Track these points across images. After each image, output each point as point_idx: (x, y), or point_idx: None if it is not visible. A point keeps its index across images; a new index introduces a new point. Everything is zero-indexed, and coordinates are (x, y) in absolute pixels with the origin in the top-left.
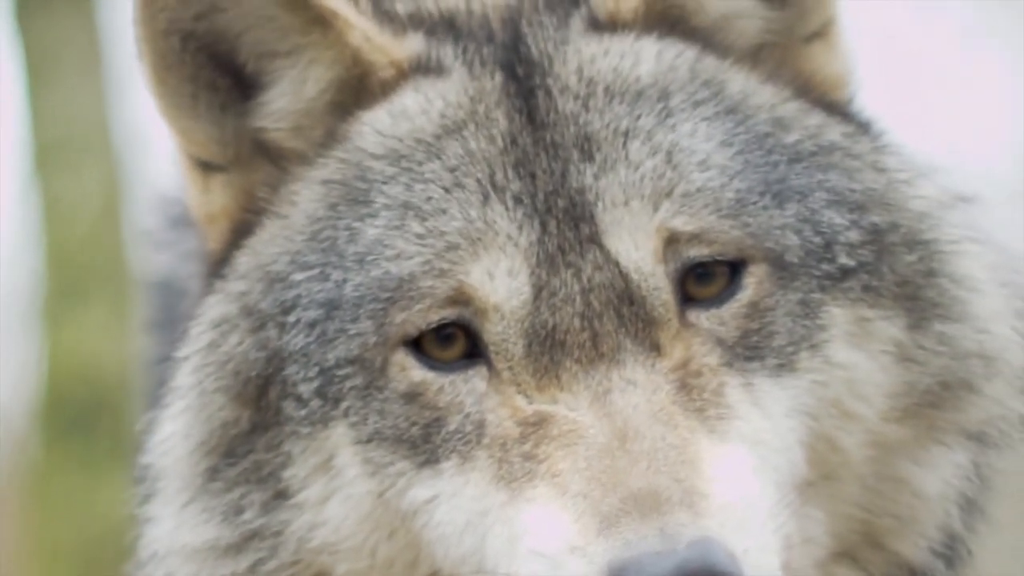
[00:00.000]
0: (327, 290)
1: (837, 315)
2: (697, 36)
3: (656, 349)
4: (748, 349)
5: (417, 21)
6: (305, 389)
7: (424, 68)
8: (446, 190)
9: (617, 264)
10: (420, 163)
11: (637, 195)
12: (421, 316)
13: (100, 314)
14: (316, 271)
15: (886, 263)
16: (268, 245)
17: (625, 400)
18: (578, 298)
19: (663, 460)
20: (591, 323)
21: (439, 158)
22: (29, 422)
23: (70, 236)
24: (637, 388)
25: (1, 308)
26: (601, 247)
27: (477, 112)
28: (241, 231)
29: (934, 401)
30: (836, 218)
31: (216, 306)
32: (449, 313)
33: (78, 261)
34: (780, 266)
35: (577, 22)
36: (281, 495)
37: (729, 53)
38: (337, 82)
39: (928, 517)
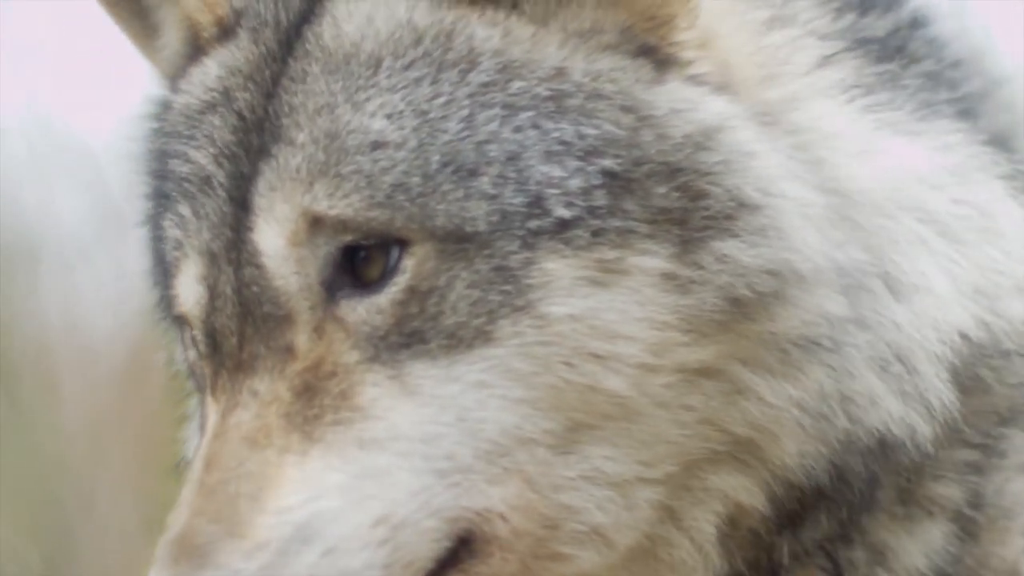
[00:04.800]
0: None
1: (556, 269)
2: None
3: (290, 351)
4: (405, 336)
5: None
6: None
7: (227, 31)
8: (183, 177)
9: (260, 254)
10: (184, 142)
11: (288, 179)
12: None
13: None
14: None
15: (631, 201)
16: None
17: (236, 417)
18: (234, 298)
19: (223, 494)
20: (240, 326)
21: (193, 138)
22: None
23: None
24: (254, 401)
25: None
26: (250, 239)
27: (235, 84)
28: None
29: (734, 317)
30: (554, 170)
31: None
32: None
33: None
34: (459, 239)
35: None
36: None
37: None
38: (185, 41)
39: (790, 425)
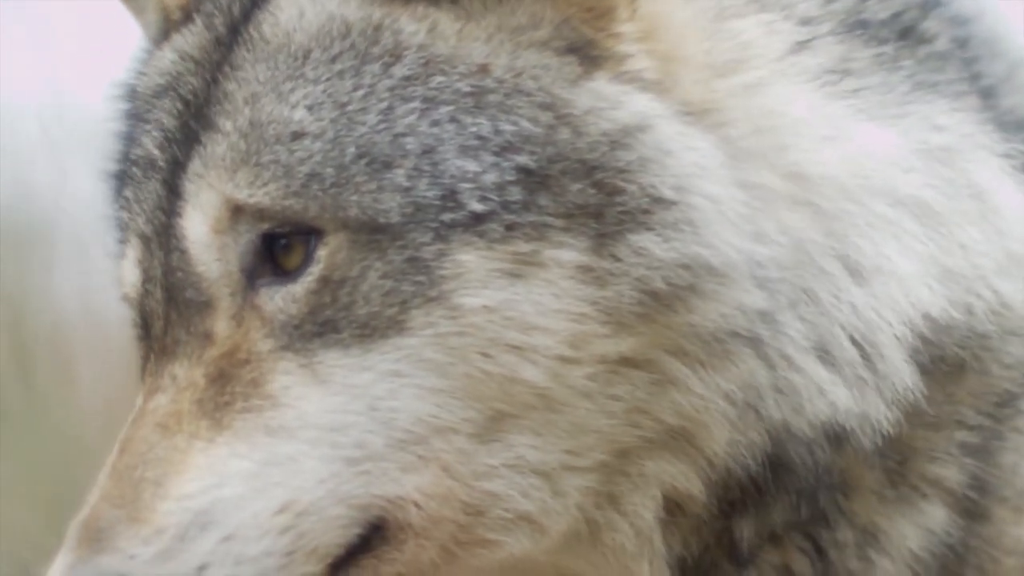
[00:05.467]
0: None
1: (469, 260)
2: None
3: (208, 338)
4: (318, 326)
5: None
6: None
7: (188, 15)
8: (133, 161)
9: (185, 240)
10: (140, 125)
11: (213, 167)
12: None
13: None
14: None
15: (546, 197)
16: None
17: (155, 402)
18: (163, 283)
19: (129, 478)
20: (166, 310)
21: (147, 122)
22: None
23: None
24: (172, 386)
25: None
26: (178, 224)
27: (185, 69)
28: None
29: (654, 309)
30: (469, 165)
31: None
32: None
33: None
34: (373, 230)
35: None
36: None
37: None
38: (158, 24)
39: (718, 416)
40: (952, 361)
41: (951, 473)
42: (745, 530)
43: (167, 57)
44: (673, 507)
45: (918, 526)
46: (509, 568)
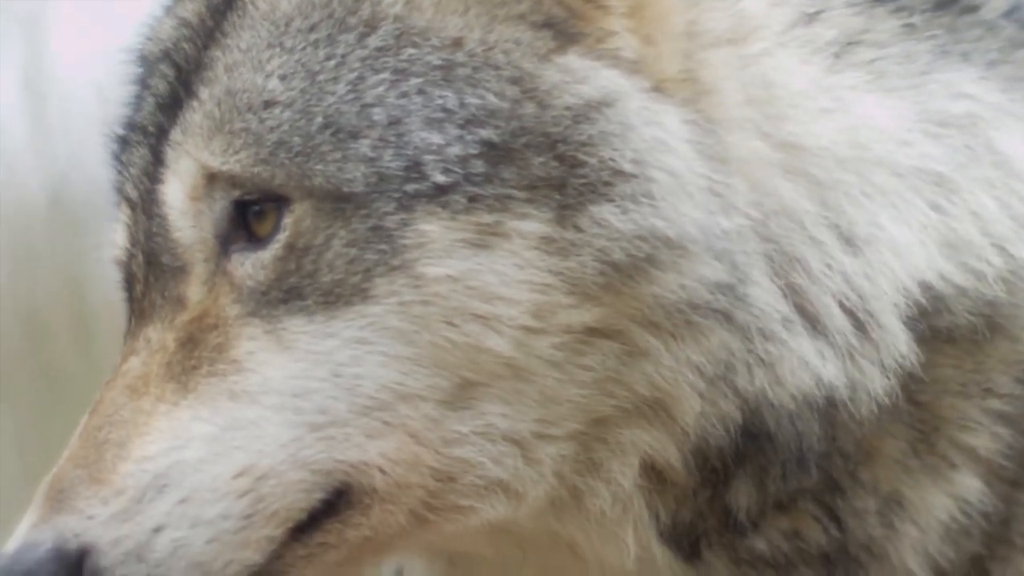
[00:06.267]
0: None
1: (432, 230)
2: None
3: (181, 302)
4: (284, 292)
5: None
6: None
7: None
8: (131, 125)
9: (164, 205)
10: (141, 90)
11: (191, 135)
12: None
13: None
14: None
15: (509, 170)
16: None
17: (128, 364)
18: (144, 247)
19: (95, 440)
20: (146, 275)
21: (147, 87)
22: None
23: None
24: (145, 349)
25: None
26: (160, 190)
27: (182, 35)
28: None
29: (618, 280)
30: (433, 137)
31: None
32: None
33: None
34: (337, 199)
35: None
36: None
37: None
38: None
39: (686, 388)
40: (968, 328)
41: (983, 442)
42: (741, 499)
43: (168, 23)
44: (653, 475)
45: (948, 495)
46: (499, 533)
